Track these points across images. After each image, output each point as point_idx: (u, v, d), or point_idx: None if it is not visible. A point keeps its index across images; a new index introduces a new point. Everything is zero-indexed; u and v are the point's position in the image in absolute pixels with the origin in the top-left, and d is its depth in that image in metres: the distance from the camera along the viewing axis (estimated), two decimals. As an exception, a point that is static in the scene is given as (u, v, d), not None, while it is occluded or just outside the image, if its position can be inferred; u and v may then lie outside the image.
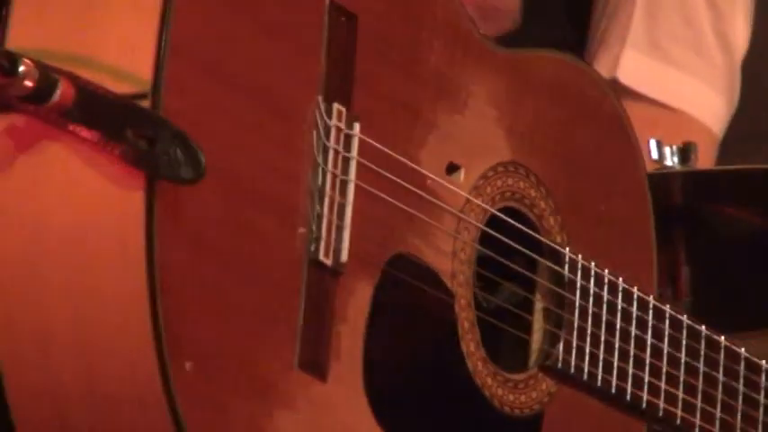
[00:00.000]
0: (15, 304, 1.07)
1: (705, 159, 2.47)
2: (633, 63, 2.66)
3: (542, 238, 1.35)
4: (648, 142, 1.87)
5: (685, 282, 2.06)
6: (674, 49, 2.84)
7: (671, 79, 2.77)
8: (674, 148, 2.23)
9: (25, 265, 1.04)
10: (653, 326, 1.47)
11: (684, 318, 1.51)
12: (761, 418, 1.64)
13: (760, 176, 2.26)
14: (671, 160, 2.05)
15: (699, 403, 1.54)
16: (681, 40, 2.87)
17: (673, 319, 1.50)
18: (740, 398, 1.58)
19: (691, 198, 2.11)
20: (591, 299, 1.43)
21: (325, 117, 1.16)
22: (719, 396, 1.54)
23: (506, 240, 1.33)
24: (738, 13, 2.78)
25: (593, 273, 1.41)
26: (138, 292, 1.03)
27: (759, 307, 2.07)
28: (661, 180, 1.90)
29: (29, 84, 0.94)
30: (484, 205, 1.31)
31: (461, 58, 1.37)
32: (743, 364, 1.62)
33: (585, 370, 1.39)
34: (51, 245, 1.04)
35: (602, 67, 2.57)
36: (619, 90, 2.01)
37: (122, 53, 1.06)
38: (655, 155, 2.04)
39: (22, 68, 0.93)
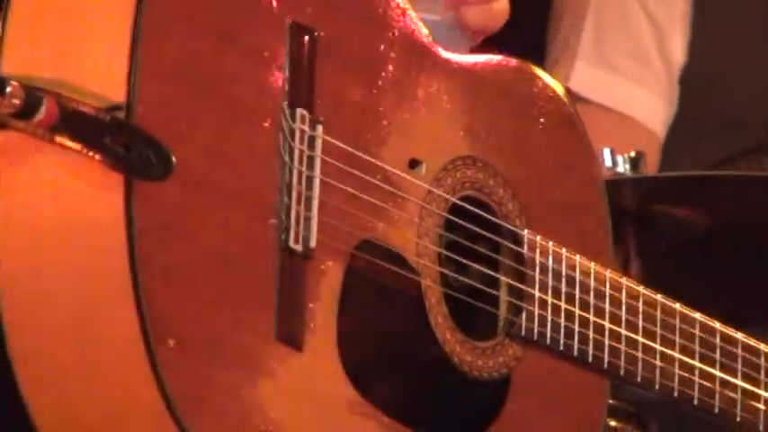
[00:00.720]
0: (20, 294, 1.19)
1: (651, 157, 2.75)
2: (583, 74, 2.97)
3: (502, 222, 1.45)
4: (602, 151, 2.12)
5: (636, 274, 2.20)
6: (621, 61, 3.15)
7: (618, 88, 3.08)
8: (626, 156, 2.32)
9: (26, 259, 1.17)
10: (610, 296, 1.60)
11: (641, 288, 1.60)
12: (717, 374, 1.77)
13: (700, 181, 2.58)
14: (623, 167, 2.26)
15: (657, 362, 1.66)
16: (626, 52, 3.17)
17: (642, 294, 1.63)
18: (697, 355, 1.69)
19: (640, 200, 2.32)
20: (550, 274, 1.55)
21: (290, 121, 1.27)
22: (677, 355, 1.66)
23: (467, 225, 1.45)
24: (677, 29, 3.09)
25: (550, 251, 1.53)
26: (123, 280, 1.14)
27: (699, 296, 2.17)
28: (614, 185, 2.11)
29: (16, 102, 1.05)
30: (444, 194, 1.42)
31: (419, 66, 1.49)
32: (698, 326, 1.70)
33: (548, 336, 1.51)
34: (46, 240, 1.17)
35: (558, 78, 2.76)
36: (572, 98, 2.10)
37: (99, 74, 1.18)
38: (609, 163, 2.22)
39: (8, 89, 1.05)
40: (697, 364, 1.72)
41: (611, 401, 1.98)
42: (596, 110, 2.98)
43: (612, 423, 2.31)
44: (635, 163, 2.35)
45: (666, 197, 2.48)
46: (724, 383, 1.77)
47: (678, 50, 3.14)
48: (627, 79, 3.11)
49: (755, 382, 1.85)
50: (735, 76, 3.23)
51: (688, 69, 3.08)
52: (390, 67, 1.47)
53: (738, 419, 1.80)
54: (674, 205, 2.39)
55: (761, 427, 1.89)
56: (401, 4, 1.51)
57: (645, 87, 3.12)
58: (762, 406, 1.85)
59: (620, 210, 1.97)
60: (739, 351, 1.77)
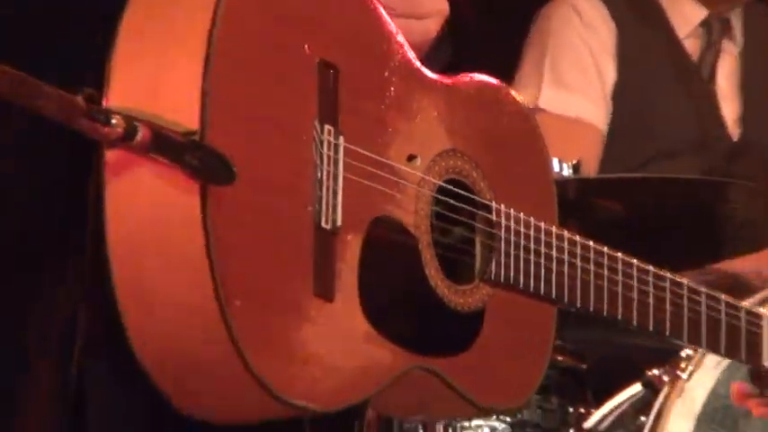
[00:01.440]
0: (127, 269, 1.55)
1: (594, 149, 3.70)
2: (548, 94, 3.80)
3: (476, 196, 1.87)
4: (551, 159, 2.50)
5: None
6: (572, 82, 3.90)
7: (572, 100, 3.85)
8: (569, 164, 2.89)
9: (130, 242, 1.53)
10: (556, 245, 2.00)
11: (577, 237, 2.02)
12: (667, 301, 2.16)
13: (621, 181, 3.27)
14: (567, 172, 2.85)
15: (604, 293, 2.06)
16: (575, 76, 3.91)
17: (579, 242, 2.04)
18: (635, 288, 2.08)
19: (578, 195, 2.84)
20: (512, 232, 1.93)
21: (320, 134, 1.63)
22: (620, 289, 2.04)
23: (450, 201, 1.84)
24: (608, 56, 3.78)
25: (512, 216, 1.93)
26: (201, 257, 1.48)
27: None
28: (560, 184, 2.42)
29: (119, 130, 1.40)
30: (433, 179, 1.82)
31: (413, 86, 1.88)
32: (635, 268, 2.11)
33: (511, 278, 1.93)
34: (144, 228, 1.54)
35: (526, 96, 3.12)
36: (533, 111, 2.71)
37: (181, 109, 1.54)
38: (556, 168, 2.73)
39: (114, 120, 1.40)
40: (635, 295, 2.09)
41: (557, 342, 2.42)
42: (557, 118, 3.77)
43: (559, 357, 2.84)
44: (576, 168, 2.93)
45: (597, 193, 3.04)
46: (656, 307, 2.12)
47: (610, 72, 3.83)
48: (577, 94, 3.84)
49: (679, 306, 2.17)
50: (650, 93, 3.87)
51: (617, 86, 3.77)
52: (393, 89, 1.84)
53: (668, 333, 2.15)
54: (603, 199, 2.96)
55: (684, 338, 2.29)
56: (400, 40, 1.88)
57: (589, 99, 3.84)
58: (686, 320, 2.21)
59: (564, 201, 2.19)
60: (668, 285, 2.13)
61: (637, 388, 2.86)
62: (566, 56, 3.85)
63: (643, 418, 2.81)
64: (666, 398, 2.76)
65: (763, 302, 2.73)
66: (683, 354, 2.80)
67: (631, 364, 2.97)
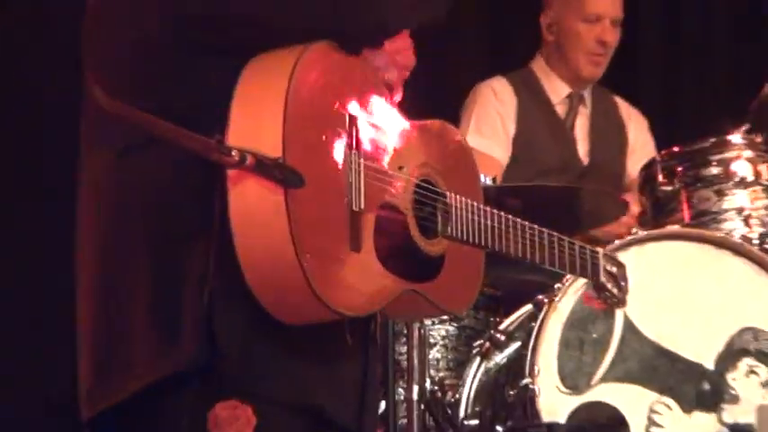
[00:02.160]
0: (243, 240, 2.05)
1: (499, 172, 4.48)
2: (473, 140, 4.29)
3: (438, 188, 2.44)
4: (479, 172, 3.10)
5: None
6: (488, 133, 4.71)
7: (487, 145, 4.60)
8: (489, 178, 3.66)
9: (243, 225, 2.07)
10: (483, 215, 2.63)
11: (495, 211, 2.67)
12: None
13: (523, 187, 3.89)
14: (488, 181, 3.57)
15: (528, 248, 2.73)
16: (489, 129, 4.72)
17: (495, 213, 2.68)
18: (536, 241, 2.77)
19: (496, 195, 3.46)
20: (461, 208, 2.53)
21: (349, 156, 2.18)
22: (519, 240, 2.70)
23: (423, 191, 2.41)
24: (511, 118, 4.68)
25: (458, 199, 2.55)
26: (285, 230, 2.02)
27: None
28: (484, 189, 2.97)
29: (236, 158, 1.90)
30: (413, 179, 2.39)
31: (401, 127, 2.46)
32: (527, 227, 2.76)
33: (459, 235, 2.51)
34: (252, 216, 2.08)
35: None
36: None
37: (271, 146, 2.06)
38: (482, 179, 3.23)
39: (234, 152, 1.92)
40: (528, 242, 2.78)
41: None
42: (479, 154, 4.32)
43: (484, 288, 3.47)
44: (493, 180, 3.79)
45: (505, 194, 3.63)
46: (540, 249, 2.78)
47: (511, 127, 4.76)
48: (491, 141, 4.71)
49: (552, 247, 2.83)
50: (535, 138, 4.80)
51: (516, 135, 4.73)
52: (389, 129, 2.44)
53: (547, 265, 2.63)
54: (508, 198, 3.56)
55: (557, 266, 2.81)
56: (389, 99, 2.52)
57: (498, 145, 4.73)
58: (557, 256, 2.82)
59: (486, 199, 2.81)
60: (546, 236, 2.80)
61: (529, 307, 3.55)
62: (484, 117, 4.75)
63: (533, 324, 3.43)
64: (546, 312, 3.40)
65: (615, 249, 3.45)
66: (556, 286, 3.45)
67: (527, 292, 3.63)
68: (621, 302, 3.00)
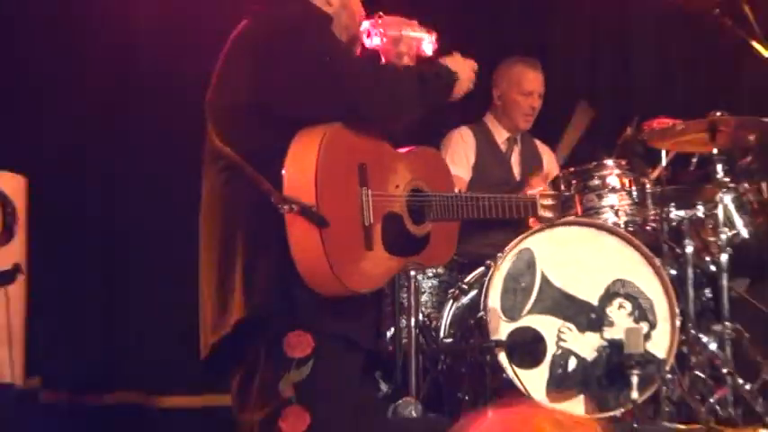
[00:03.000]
0: (296, 239, 2.70)
1: (463, 187, 5.00)
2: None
3: (423, 191, 3.08)
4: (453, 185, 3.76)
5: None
6: (458, 162, 5.26)
7: (455, 169, 4.86)
8: (457, 189, 4.09)
9: (295, 241, 2.70)
10: (454, 202, 3.28)
11: (467, 194, 3.64)
12: None
13: (480, 197, 3.83)
14: (456, 192, 3.77)
15: (481, 210, 3.45)
16: (458, 160, 5.26)
17: (463, 196, 3.40)
18: (481, 206, 3.48)
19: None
20: (438, 199, 3.18)
21: (360, 191, 2.83)
22: (476, 207, 3.44)
23: (413, 198, 3.05)
24: (471, 153, 5.37)
25: (437, 195, 3.18)
26: (320, 247, 2.68)
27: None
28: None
29: (288, 207, 2.59)
30: (405, 192, 3.02)
31: (393, 157, 3.06)
32: (478, 199, 3.51)
33: (439, 215, 3.16)
34: (299, 238, 2.70)
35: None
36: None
37: (307, 196, 2.68)
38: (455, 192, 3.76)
39: (287, 203, 2.59)
40: (485, 208, 3.51)
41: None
42: (453, 175, 4.24)
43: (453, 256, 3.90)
44: (459, 191, 4.15)
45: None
46: (495, 207, 3.55)
47: (472, 159, 5.42)
48: (459, 167, 5.29)
49: (504, 205, 3.63)
50: (486, 166, 5.41)
51: (474, 165, 5.35)
52: (388, 163, 3.04)
53: (497, 216, 3.57)
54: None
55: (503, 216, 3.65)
56: (388, 142, 3.06)
57: (463, 169, 5.35)
58: (500, 210, 3.58)
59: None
60: (486, 201, 3.56)
61: (482, 268, 4.25)
62: (455, 152, 5.44)
63: (485, 279, 4.09)
64: (493, 272, 4.05)
65: (538, 230, 4.10)
66: (499, 255, 4.05)
67: (481, 260, 4.30)
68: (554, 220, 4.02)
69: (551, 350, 4.05)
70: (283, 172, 2.79)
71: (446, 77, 3.29)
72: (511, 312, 4.00)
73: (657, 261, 4.29)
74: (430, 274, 4.78)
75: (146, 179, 5.53)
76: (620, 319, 4.13)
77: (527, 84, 5.43)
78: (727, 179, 4.48)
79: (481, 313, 3.96)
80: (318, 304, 2.89)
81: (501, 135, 5.51)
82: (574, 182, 4.51)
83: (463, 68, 3.37)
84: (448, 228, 3.40)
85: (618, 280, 4.18)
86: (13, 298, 4.04)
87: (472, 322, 4.12)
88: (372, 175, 3.00)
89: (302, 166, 2.82)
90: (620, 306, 4.16)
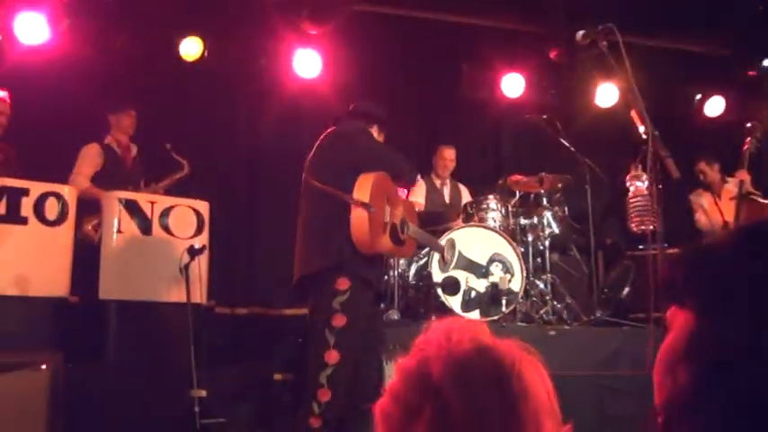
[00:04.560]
0: (354, 229, 3.92)
1: (420, 208, 5.66)
2: (411, 198, 5.41)
3: (405, 220, 4.11)
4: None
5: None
6: (417, 195, 5.96)
7: (414, 198, 5.81)
8: (418, 208, 5.41)
9: (354, 223, 4.17)
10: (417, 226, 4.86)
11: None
12: None
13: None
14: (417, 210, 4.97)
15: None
16: (418, 193, 5.90)
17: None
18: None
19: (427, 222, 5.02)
20: (411, 226, 4.20)
21: (386, 207, 3.86)
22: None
23: (400, 220, 4.20)
24: (423, 189, 6.15)
25: (411, 224, 4.40)
26: (367, 228, 3.72)
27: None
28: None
29: (355, 203, 4.37)
30: (399, 218, 4.06)
31: (400, 199, 4.09)
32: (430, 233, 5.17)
33: (411, 235, 4.33)
34: (357, 221, 3.96)
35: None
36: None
37: (366, 198, 3.77)
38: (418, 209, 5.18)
39: (353, 200, 4.70)
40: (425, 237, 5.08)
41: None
42: (415, 202, 5.36)
43: None
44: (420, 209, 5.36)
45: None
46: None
47: (424, 191, 5.96)
48: (418, 198, 5.95)
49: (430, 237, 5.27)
50: (431, 196, 6.07)
51: (425, 196, 5.93)
52: (396, 199, 3.96)
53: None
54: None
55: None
56: (397, 190, 3.99)
57: (421, 198, 5.95)
58: None
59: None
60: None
61: (428, 250, 5.19)
62: (417, 191, 5.74)
63: (431, 252, 5.07)
64: (432, 254, 5.12)
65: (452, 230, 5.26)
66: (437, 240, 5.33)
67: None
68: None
69: (463, 287, 5.26)
70: (354, 192, 3.63)
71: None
72: (444, 269, 5.25)
73: (515, 244, 5.50)
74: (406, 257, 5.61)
75: (275, 200, 6.41)
76: (497, 272, 5.38)
77: (446, 155, 6.39)
78: (547, 204, 5.80)
79: (428, 269, 5.20)
80: (355, 260, 3.63)
81: (439, 180, 6.41)
82: (474, 206, 5.72)
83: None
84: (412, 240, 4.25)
85: (496, 252, 5.44)
86: (202, 261, 4.80)
87: (424, 275, 5.36)
88: (391, 202, 3.88)
89: (364, 186, 3.67)
90: (497, 265, 5.42)
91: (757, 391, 0.82)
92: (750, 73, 6.67)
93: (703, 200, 6.45)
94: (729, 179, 6.38)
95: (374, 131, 4.06)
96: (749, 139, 6.00)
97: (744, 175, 6.01)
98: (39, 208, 4.52)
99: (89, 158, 5.51)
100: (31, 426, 3.71)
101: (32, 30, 5.19)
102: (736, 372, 0.83)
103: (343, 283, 3.62)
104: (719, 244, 0.92)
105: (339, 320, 3.56)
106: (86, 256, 4.82)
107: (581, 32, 3.42)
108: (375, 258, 3.79)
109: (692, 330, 0.88)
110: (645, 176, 3.81)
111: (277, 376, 5.31)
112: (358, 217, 3.65)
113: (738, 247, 0.90)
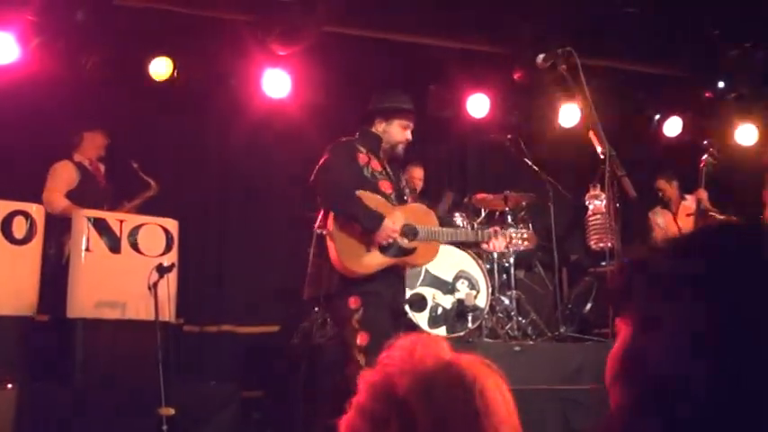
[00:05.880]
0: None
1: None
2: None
3: (415, 225, 3.87)
4: None
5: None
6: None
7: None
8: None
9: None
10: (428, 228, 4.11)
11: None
12: None
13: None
14: None
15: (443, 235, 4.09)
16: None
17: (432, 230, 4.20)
18: None
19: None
20: (423, 229, 3.89)
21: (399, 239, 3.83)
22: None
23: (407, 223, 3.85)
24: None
25: (423, 226, 3.97)
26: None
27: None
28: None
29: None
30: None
31: (400, 209, 3.87)
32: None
33: (422, 238, 3.91)
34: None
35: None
36: None
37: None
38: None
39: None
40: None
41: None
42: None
43: None
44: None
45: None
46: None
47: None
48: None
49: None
50: None
51: None
52: (382, 208, 3.94)
53: None
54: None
55: None
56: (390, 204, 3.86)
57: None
58: None
59: None
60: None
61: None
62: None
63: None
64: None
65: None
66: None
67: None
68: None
69: (429, 304, 5.35)
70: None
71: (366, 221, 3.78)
72: (410, 285, 5.19)
73: (481, 261, 5.67)
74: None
75: (244, 219, 6.57)
76: (463, 288, 5.51)
77: (414, 173, 6.23)
78: (512, 222, 5.84)
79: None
80: (354, 280, 3.68)
81: (414, 176, 6.28)
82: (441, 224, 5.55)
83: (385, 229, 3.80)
84: (430, 247, 4.03)
85: (462, 269, 5.56)
86: (171, 279, 4.72)
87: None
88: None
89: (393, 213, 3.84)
90: (463, 282, 5.55)
91: (692, 420, 0.77)
92: (707, 95, 6.77)
93: (660, 218, 6.53)
94: (688, 196, 6.49)
95: (380, 125, 4.00)
96: (705, 157, 6.18)
97: (701, 192, 6.16)
98: (6, 226, 4.51)
99: (64, 175, 5.45)
100: (-4, 445, 3.56)
101: (1, 48, 5.20)
102: (672, 395, 0.79)
103: (355, 302, 3.62)
104: (657, 253, 0.90)
105: (363, 338, 3.54)
106: (54, 275, 4.85)
107: (541, 56, 3.48)
108: (377, 273, 3.74)
109: (628, 345, 0.84)
110: (603, 195, 3.83)
111: (245, 394, 5.31)
112: (330, 247, 3.69)
113: (674, 256, 0.87)
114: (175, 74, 5.73)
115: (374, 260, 3.73)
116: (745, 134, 7.07)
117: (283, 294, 5.90)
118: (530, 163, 5.85)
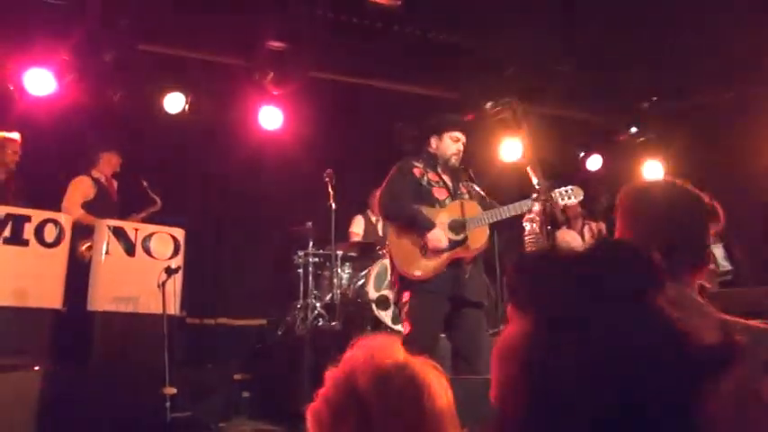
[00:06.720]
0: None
1: None
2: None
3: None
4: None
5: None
6: (357, 225, 5.68)
7: (354, 229, 5.61)
8: (362, 240, 5.39)
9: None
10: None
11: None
12: None
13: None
14: None
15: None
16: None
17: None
18: None
19: None
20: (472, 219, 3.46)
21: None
22: None
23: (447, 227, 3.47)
24: (360, 223, 5.75)
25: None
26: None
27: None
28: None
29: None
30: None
31: (444, 211, 3.51)
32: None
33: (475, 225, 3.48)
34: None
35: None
36: None
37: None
38: None
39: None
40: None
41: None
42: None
43: None
44: None
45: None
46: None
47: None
48: (356, 228, 5.62)
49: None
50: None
51: None
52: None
53: None
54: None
55: None
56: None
57: (359, 229, 5.68)
58: None
59: None
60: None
61: (367, 269, 5.20)
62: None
63: (369, 272, 5.18)
64: (369, 270, 4.87)
65: None
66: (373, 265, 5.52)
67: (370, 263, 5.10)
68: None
69: (392, 303, 4.93)
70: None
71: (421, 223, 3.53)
72: (378, 287, 5.24)
73: None
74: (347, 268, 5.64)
75: (240, 231, 6.44)
76: None
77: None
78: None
79: (365, 288, 5.26)
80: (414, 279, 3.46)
81: (374, 216, 6.03)
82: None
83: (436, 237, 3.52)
84: (481, 232, 3.62)
85: None
86: (177, 279, 4.63)
87: (362, 291, 5.34)
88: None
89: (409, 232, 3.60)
90: None
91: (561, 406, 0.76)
92: (622, 137, 6.87)
93: (568, 236, 6.29)
94: (590, 222, 6.40)
95: (434, 143, 3.81)
96: (603, 191, 6.17)
97: (601, 225, 6.14)
98: (39, 232, 4.50)
99: (82, 188, 5.35)
100: (24, 419, 3.70)
101: (41, 83, 5.17)
102: (538, 372, 0.77)
103: (405, 296, 3.55)
104: (544, 251, 0.89)
105: (406, 327, 3.49)
106: (78, 273, 4.75)
107: (489, 103, 3.49)
108: (431, 273, 3.55)
109: (513, 330, 0.82)
110: (537, 219, 3.90)
111: (237, 376, 5.26)
112: (390, 261, 3.64)
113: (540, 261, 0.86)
114: (186, 108, 5.77)
115: (430, 263, 3.55)
116: (652, 169, 7.13)
117: (270, 293, 6.10)
118: (477, 189, 5.78)
